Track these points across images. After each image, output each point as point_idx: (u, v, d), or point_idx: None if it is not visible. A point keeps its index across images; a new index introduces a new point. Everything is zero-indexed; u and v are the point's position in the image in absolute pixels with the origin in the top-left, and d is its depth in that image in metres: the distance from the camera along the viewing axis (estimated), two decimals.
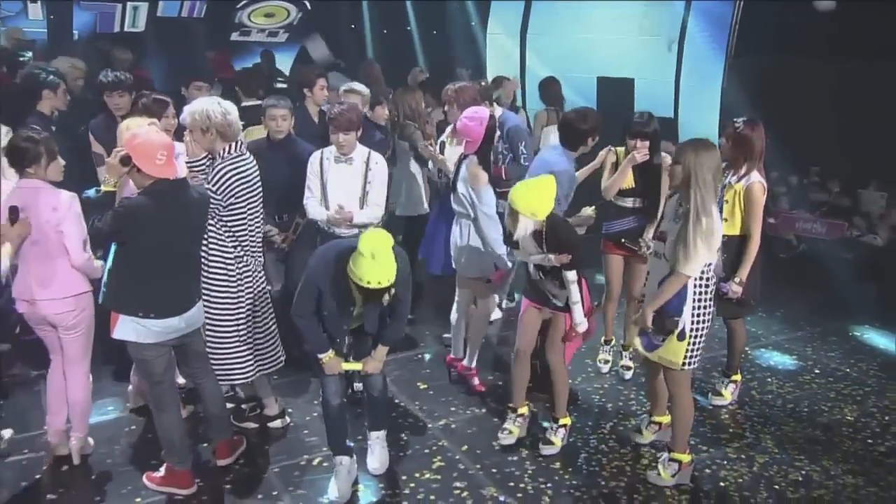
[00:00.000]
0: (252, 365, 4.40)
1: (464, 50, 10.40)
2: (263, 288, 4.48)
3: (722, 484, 4.15)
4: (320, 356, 3.76)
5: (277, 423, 4.65)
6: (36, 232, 3.79)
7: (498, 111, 5.71)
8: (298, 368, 4.99)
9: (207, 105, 4.11)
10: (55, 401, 4.16)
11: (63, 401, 4.16)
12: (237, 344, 4.34)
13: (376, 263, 3.31)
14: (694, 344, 3.87)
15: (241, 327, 4.33)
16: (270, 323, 4.54)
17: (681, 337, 3.85)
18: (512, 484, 4.14)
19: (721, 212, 4.36)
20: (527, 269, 4.33)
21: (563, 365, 4.39)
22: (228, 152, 4.18)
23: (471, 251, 4.74)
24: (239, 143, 4.27)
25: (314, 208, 4.67)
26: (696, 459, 4.28)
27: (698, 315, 3.85)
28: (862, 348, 5.90)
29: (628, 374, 5.30)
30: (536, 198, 3.94)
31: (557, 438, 4.43)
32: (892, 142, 7.28)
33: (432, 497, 4.03)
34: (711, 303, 3.91)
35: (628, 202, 4.91)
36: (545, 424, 4.56)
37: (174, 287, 3.77)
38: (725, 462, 4.35)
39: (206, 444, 4.35)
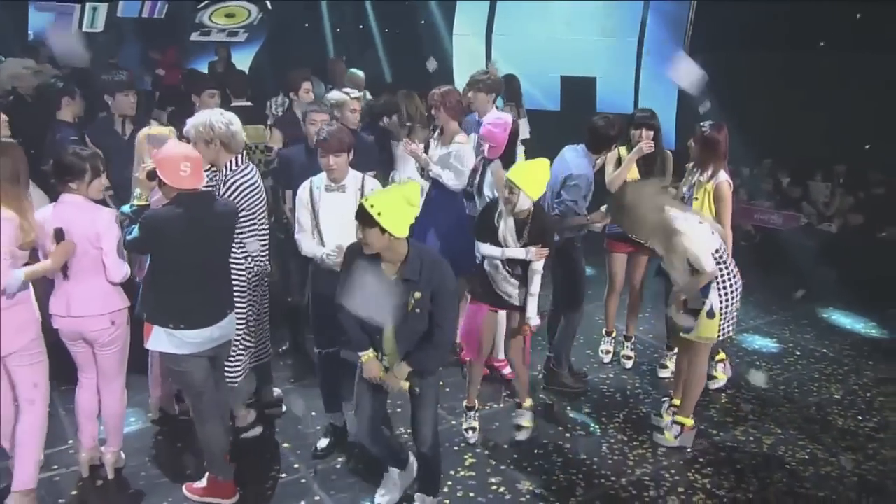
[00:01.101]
0: (242, 368, 4.35)
1: (429, 50, 10.34)
2: (264, 293, 4.41)
3: (738, 466, 4.31)
4: (360, 354, 3.59)
5: (274, 411, 4.64)
6: (76, 257, 3.68)
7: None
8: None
9: (210, 117, 4.02)
10: (86, 418, 4.02)
11: (93, 418, 4.03)
12: (240, 350, 4.28)
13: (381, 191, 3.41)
14: (724, 319, 4.17)
15: (244, 335, 4.26)
16: (265, 322, 4.47)
17: (710, 315, 4.15)
18: (545, 477, 4.20)
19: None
20: (482, 272, 4.33)
21: (522, 358, 4.51)
22: (236, 164, 4.10)
23: None
24: (243, 154, 4.20)
25: (308, 245, 4.15)
26: (710, 443, 4.48)
27: (724, 293, 4.14)
28: (832, 329, 6.22)
29: (629, 364, 5.44)
30: (536, 176, 4.06)
31: (528, 421, 4.54)
32: (836, 134, 7.70)
33: (471, 494, 4.05)
34: (735, 280, 4.19)
35: None
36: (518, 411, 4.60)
37: (204, 298, 3.68)
38: (736, 444, 4.53)
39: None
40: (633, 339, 5.51)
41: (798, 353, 5.73)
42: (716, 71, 8.37)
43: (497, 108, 5.74)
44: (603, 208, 4.76)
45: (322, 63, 9.06)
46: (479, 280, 4.39)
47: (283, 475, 4.19)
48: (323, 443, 4.36)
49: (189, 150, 3.69)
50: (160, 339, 3.63)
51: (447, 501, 3.99)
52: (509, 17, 9.74)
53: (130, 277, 3.89)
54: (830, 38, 7.70)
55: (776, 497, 4.05)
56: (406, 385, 3.48)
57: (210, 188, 3.97)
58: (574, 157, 4.81)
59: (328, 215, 4.08)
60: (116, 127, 5.15)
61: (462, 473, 4.22)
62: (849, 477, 4.23)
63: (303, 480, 4.16)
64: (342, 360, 4.30)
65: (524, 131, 7.04)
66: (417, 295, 3.32)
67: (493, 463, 4.33)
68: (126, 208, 3.73)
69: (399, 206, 3.19)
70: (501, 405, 4.90)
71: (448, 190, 4.99)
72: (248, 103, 6.26)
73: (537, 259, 4.16)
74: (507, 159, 4.60)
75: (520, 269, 4.24)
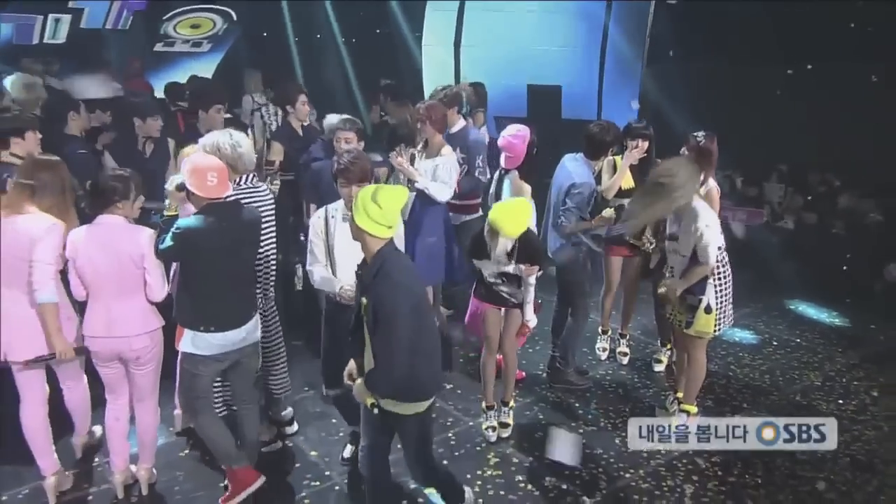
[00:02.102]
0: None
1: (398, 60, 10.36)
2: (275, 320, 4.42)
3: (742, 452, 4.45)
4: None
5: (286, 430, 4.62)
6: (116, 268, 3.63)
7: (461, 123, 5.69)
8: None
9: (219, 138, 4.00)
10: (117, 440, 3.94)
11: (124, 438, 3.96)
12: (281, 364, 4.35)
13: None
14: (721, 314, 4.37)
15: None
16: (279, 350, 4.48)
17: (708, 311, 4.33)
18: (567, 472, 4.29)
19: None
20: (480, 276, 4.42)
21: (515, 355, 4.64)
22: (238, 184, 4.08)
23: None
24: (251, 174, 4.19)
25: (322, 277, 3.92)
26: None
27: (720, 290, 4.34)
28: (801, 320, 6.55)
29: (625, 360, 5.61)
30: (517, 222, 4.09)
31: (510, 419, 4.67)
32: (790, 137, 8.08)
33: (501, 492, 4.12)
34: (729, 279, 4.39)
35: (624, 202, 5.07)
36: (503, 409, 4.70)
37: (231, 302, 3.74)
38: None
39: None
40: (627, 337, 5.68)
41: (775, 344, 6.01)
42: (672, 78, 8.82)
43: (462, 116, 5.85)
44: (606, 212, 4.89)
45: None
46: (479, 281, 4.47)
47: (316, 483, 4.18)
48: (348, 451, 4.32)
49: (215, 161, 3.71)
50: (187, 341, 3.67)
51: (481, 500, 4.03)
52: (477, 28, 9.81)
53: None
54: (778, 49, 8.08)
55: (782, 479, 4.26)
56: (368, 401, 3.26)
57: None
58: (576, 167, 4.92)
59: (343, 246, 3.79)
60: (139, 146, 5.13)
61: (488, 473, 4.28)
62: (842, 457, 4.45)
63: (336, 487, 4.15)
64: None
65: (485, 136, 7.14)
66: (364, 300, 3.14)
67: (517, 461, 4.41)
68: (157, 219, 3.76)
69: (365, 201, 3.07)
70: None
71: (433, 201, 5.03)
72: (228, 115, 6.17)
73: (527, 276, 4.26)
74: (526, 169, 4.69)
75: (515, 280, 4.34)
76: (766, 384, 5.36)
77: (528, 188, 4.66)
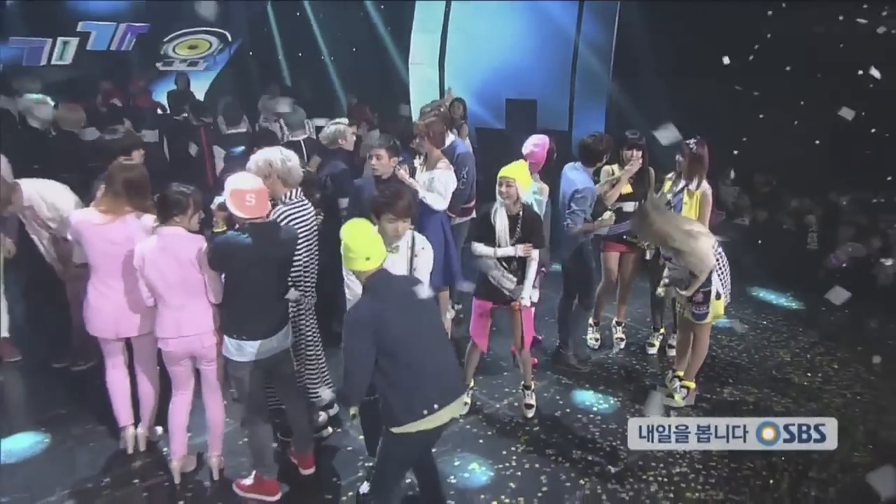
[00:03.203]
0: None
1: (385, 78, 10.57)
2: (311, 329, 4.52)
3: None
4: None
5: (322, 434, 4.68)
6: (179, 273, 3.81)
7: (450, 138, 5.82)
8: None
9: (270, 154, 4.13)
10: (178, 431, 4.13)
11: (184, 430, 4.15)
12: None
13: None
14: (728, 297, 4.79)
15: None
16: (312, 358, 4.58)
17: (717, 297, 4.71)
18: (590, 446, 4.60)
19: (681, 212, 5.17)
20: (482, 274, 4.67)
21: (521, 344, 4.80)
22: (290, 198, 4.21)
23: None
24: (298, 189, 4.28)
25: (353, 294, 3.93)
26: (711, 403, 5.06)
27: (722, 277, 4.73)
28: (764, 305, 7.01)
29: (622, 344, 5.95)
30: (523, 172, 4.47)
31: (533, 400, 4.95)
32: (736, 144, 8.56)
33: (536, 465, 4.39)
34: (726, 265, 4.78)
35: (628, 206, 5.41)
36: (527, 392, 4.95)
37: (262, 314, 3.83)
38: (729, 402, 5.12)
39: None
40: (623, 324, 6.04)
41: (747, 326, 6.42)
42: (635, 92, 9.29)
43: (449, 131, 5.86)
44: (606, 215, 5.21)
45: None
46: (480, 280, 4.71)
47: (370, 463, 4.27)
48: None
49: (255, 183, 3.80)
50: (228, 348, 3.81)
51: (518, 473, 4.31)
52: (459, 47, 10.12)
53: None
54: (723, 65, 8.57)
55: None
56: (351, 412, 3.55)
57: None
58: (577, 175, 5.21)
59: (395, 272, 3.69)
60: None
61: (521, 449, 4.54)
62: (851, 412, 4.95)
63: None
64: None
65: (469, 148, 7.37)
66: None
67: (544, 437, 4.68)
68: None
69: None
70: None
71: (431, 210, 5.17)
72: (244, 130, 6.32)
73: (525, 254, 4.49)
74: (546, 172, 5.08)
75: (515, 264, 4.57)
76: (744, 362, 5.78)
77: (546, 188, 5.03)
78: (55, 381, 5.27)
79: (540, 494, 4.15)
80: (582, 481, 4.27)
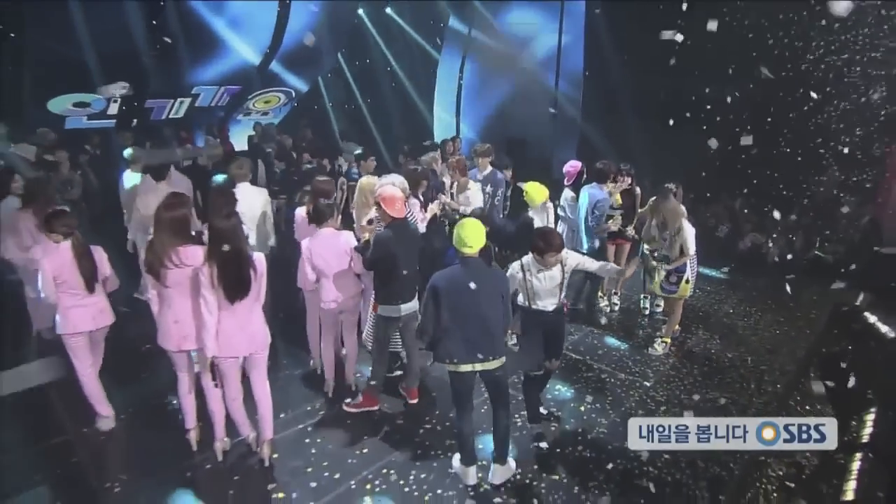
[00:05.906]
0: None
1: (410, 121, 11.76)
2: None
3: (712, 363, 6.12)
4: None
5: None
6: (336, 257, 4.71)
7: (489, 168, 6.99)
8: None
9: (396, 178, 5.17)
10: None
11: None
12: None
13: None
14: (694, 282, 6.13)
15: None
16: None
17: (687, 281, 6.02)
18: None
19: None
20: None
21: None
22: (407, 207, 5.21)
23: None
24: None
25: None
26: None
27: (692, 266, 6.07)
28: (705, 277, 8.44)
29: (617, 307, 7.32)
30: (540, 192, 5.79)
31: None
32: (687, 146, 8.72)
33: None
34: (695, 258, 6.13)
35: (617, 213, 6.75)
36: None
37: (403, 286, 4.69)
38: (703, 349, 6.36)
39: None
40: (619, 294, 7.45)
41: (698, 291, 7.77)
42: (603, 131, 10.46)
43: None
44: (611, 221, 6.62)
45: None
46: None
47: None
48: None
49: (399, 192, 4.72)
50: (382, 309, 4.70)
51: (573, 419, 4.99)
52: (471, 96, 11.45)
53: None
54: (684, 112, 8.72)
55: (751, 375, 5.74)
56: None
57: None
58: (596, 192, 6.53)
59: (537, 285, 4.44)
60: None
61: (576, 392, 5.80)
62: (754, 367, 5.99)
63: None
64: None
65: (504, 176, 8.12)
66: None
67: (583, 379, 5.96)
68: (358, 243, 4.79)
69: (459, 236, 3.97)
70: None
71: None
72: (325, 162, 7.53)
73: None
74: (575, 185, 6.56)
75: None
76: (702, 314, 7.25)
77: (572, 195, 6.52)
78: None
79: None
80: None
